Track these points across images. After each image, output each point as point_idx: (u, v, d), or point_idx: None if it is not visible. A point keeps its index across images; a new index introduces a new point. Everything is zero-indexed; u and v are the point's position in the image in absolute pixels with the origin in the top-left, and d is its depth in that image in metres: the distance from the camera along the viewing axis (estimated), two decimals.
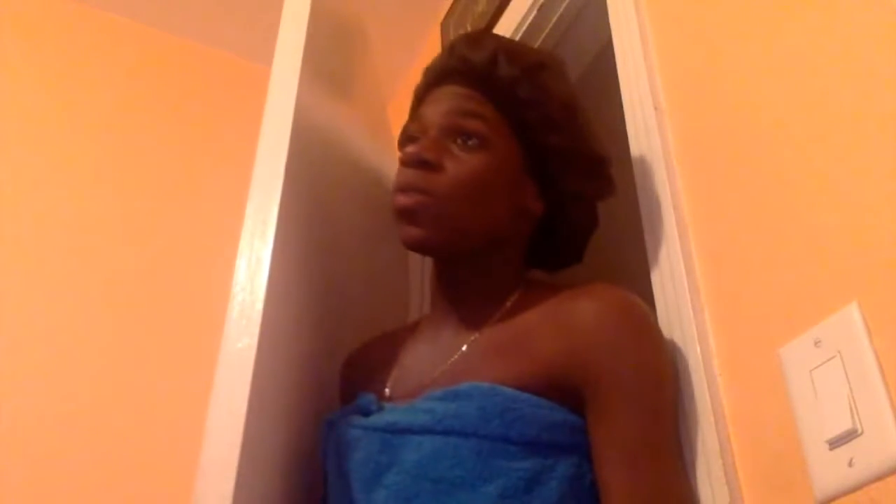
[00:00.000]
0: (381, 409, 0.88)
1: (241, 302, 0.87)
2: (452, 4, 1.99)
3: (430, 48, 2.09)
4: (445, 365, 0.88)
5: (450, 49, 0.97)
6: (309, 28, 1.05)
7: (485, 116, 0.90)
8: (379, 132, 1.40)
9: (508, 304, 0.90)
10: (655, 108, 1.00)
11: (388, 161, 1.13)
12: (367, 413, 0.88)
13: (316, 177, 1.05)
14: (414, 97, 1.01)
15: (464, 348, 0.88)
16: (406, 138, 0.94)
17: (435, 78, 0.97)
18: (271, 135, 0.98)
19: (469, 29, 1.80)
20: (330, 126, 1.15)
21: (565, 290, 0.87)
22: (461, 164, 0.87)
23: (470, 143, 0.89)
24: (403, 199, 0.87)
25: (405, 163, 0.88)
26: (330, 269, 1.08)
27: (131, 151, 1.99)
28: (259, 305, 0.85)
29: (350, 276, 1.15)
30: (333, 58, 1.19)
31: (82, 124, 1.96)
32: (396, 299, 1.31)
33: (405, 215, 0.88)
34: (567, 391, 0.79)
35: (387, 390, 0.92)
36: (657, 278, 0.92)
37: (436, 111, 0.92)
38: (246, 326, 0.85)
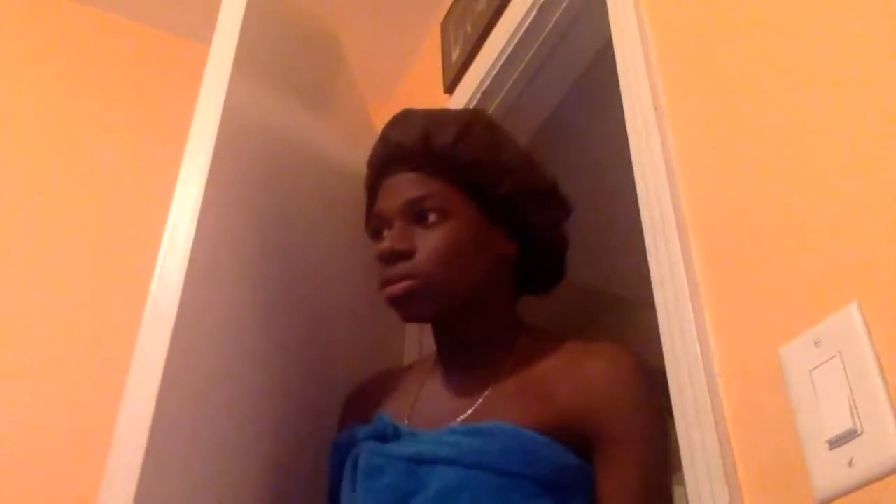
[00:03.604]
0: (397, 433, 0.93)
1: (154, 299, 0.88)
2: (452, 4, 1.99)
3: (430, 48, 2.09)
4: (470, 410, 0.94)
5: (383, 139, 1.05)
6: (243, 30, 1.06)
7: (435, 194, 0.98)
8: (357, 131, 1.41)
9: (516, 353, 0.98)
10: (655, 109, 1.00)
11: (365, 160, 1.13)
12: (383, 436, 0.93)
13: (246, 170, 1.06)
14: (366, 189, 1.08)
15: (486, 393, 0.95)
16: (373, 232, 1.03)
17: (379, 170, 1.04)
18: (199, 133, 1.00)
19: (469, 30, 1.80)
20: (272, 121, 1.17)
21: (571, 342, 0.97)
22: (430, 241, 0.96)
23: (430, 220, 0.97)
24: (393, 290, 0.95)
25: (382, 259, 0.96)
26: (276, 267, 1.09)
27: (78, 128, 1.97)
28: (173, 316, 0.86)
29: (291, 271, 1.15)
30: (276, 57, 1.19)
31: (27, 102, 1.95)
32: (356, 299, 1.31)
33: (400, 303, 0.96)
34: (579, 437, 0.88)
35: (406, 419, 0.97)
36: (657, 278, 0.91)
37: (392, 204, 0.99)
38: (158, 331, 0.85)
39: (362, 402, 1.06)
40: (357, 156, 1.22)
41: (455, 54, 1.85)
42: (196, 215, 0.92)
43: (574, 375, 0.91)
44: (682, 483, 0.81)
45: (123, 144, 2.01)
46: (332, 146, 1.34)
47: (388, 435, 0.93)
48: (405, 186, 0.99)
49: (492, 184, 0.99)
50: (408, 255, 0.95)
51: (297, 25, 1.33)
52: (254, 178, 1.08)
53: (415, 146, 1.00)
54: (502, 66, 1.60)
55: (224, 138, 0.98)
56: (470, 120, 1.03)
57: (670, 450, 0.87)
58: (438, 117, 1.04)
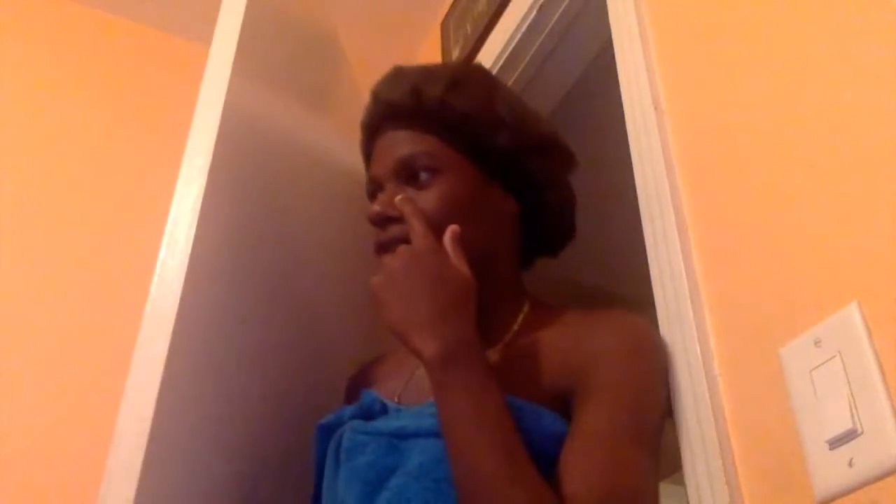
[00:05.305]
0: (384, 409, 0.90)
1: (154, 299, 0.88)
2: (452, 4, 1.99)
3: (430, 48, 2.09)
4: None
5: (373, 98, 1.00)
6: (244, 30, 1.06)
7: (425, 151, 0.93)
8: (357, 131, 1.41)
9: (516, 325, 0.93)
10: (655, 108, 1.00)
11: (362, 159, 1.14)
12: (370, 413, 0.90)
13: (246, 170, 1.06)
14: (362, 154, 1.04)
15: None
16: (370, 197, 0.98)
17: (371, 131, 1.00)
18: (199, 133, 0.99)
19: (469, 30, 1.80)
20: (273, 121, 1.17)
21: (574, 312, 0.91)
22: (423, 202, 0.90)
23: (422, 179, 0.92)
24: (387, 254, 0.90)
25: (374, 223, 0.91)
26: (269, 264, 1.08)
27: (77, 130, 1.98)
28: (173, 316, 0.86)
29: (294, 270, 1.15)
30: (276, 57, 1.19)
31: (27, 102, 1.95)
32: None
33: None
34: (567, 401, 0.82)
35: (397, 397, 0.94)
36: (657, 278, 0.92)
37: (383, 166, 0.95)
38: (158, 331, 0.85)
39: (362, 383, 1.03)
40: (357, 156, 1.22)
41: (455, 54, 1.86)
42: (196, 215, 0.92)
43: (573, 338, 0.86)
44: (682, 483, 0.81)
45: (123, 144, 2.01)
46: (332, 146, 1.35)
47: (375, 412, 0.90)
48: (395, 146, 0.95)
49: (487, 137, 0.94)
50: (398, 218, 0.89)
51: (297, 25, 1.33)
52: (254, 178, 1.08)
53: (404, 102, 0.95)
54: (502, 67, 1.60)
55: (224, 138, 0.98)
56: (462, 72, 0.99)
57: (653, 409, 0.81)
58: (429, 71, 0.99)
